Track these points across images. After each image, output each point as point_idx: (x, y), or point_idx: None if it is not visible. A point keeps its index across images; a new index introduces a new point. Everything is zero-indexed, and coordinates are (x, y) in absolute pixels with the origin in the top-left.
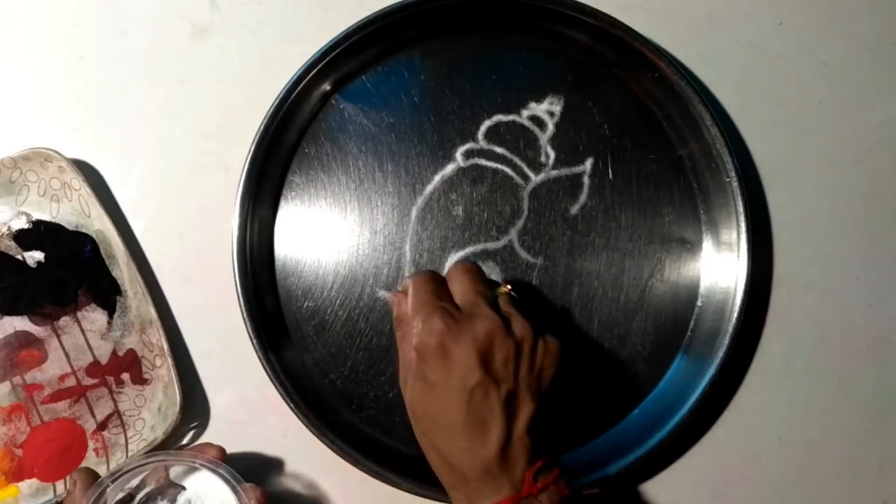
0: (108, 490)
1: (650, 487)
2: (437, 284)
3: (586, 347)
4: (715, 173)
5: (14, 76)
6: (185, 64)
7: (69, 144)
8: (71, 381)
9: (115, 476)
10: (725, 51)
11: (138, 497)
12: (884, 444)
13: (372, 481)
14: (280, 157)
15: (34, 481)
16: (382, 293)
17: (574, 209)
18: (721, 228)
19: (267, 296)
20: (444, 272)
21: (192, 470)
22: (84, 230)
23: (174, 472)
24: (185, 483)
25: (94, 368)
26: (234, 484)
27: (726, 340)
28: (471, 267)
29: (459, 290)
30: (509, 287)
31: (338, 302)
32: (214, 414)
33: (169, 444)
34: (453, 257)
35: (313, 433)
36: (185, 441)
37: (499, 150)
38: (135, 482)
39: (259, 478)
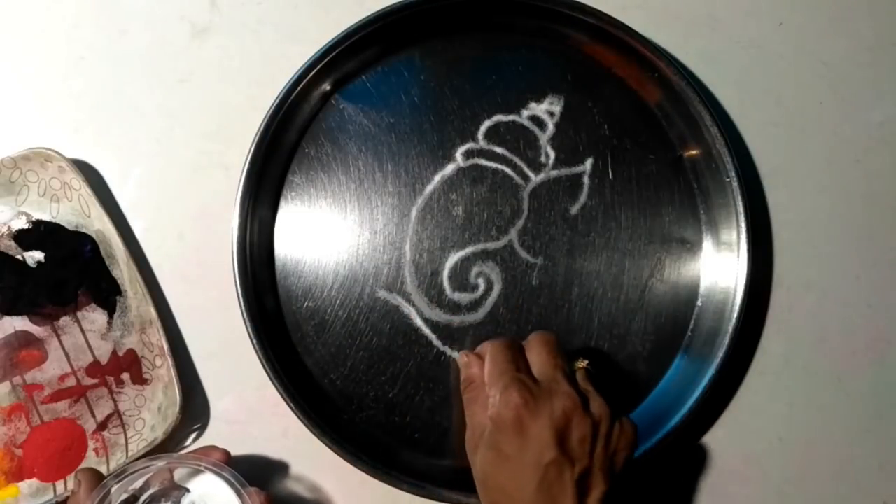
0: (113, 491)
1: (650, 487)
2: (515, 353)
3: (586, 347)
4: (715, 173)
5: (14, 76)
6: (185, 64)
7: (69, 144)
8: (71, 381)
9: (120, 477)
10: (725, 51)
11: (142, 498)
12: (884, 444)
13: (372, 481)
14: (280, 157)
15: (34, 481)
16: (454, 353)
17: (574, 209)
18: (721, 228)
19: (267, 296)
20: (446, 272)
21: (196, 472)
22: (84, 230)
23: (178, 474)
24: (189, 485)
25: (94, 368)
26: (239, 487)
27: (726, 340)
28: (550, 338)
29: (538, 361)
30: (587, 362)
31: (338, 302)
32: (214, 414)
33: (169, 444)
34: (453, 257)
35: (313, 433)
36: (186, 442)
37: (499, 150)
38: (139, 483)
39: (259, 478)
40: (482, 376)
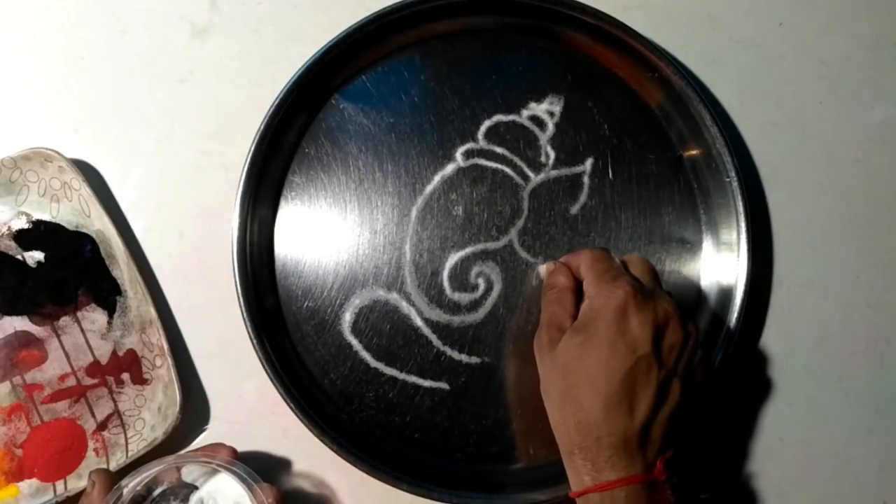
0: (125, 492)
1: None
2: (613, 261)
3: None
4: (715, 173)
5: (14, 76)
6: (185, 64)
7: (69, 144)
8: (71, 381)
9: (133, 478)
10: (725, 51)
11: (151, 496)
12: (884, 444)
13: (372, 481)
14: (280, 157)
15: (34, 481)
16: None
17: (574, 209)
18: (721, 228)
19: (267, 296)
20: (446, 272)
21: (204, 470)
22: (84, 230)
23: (186, 472)
24: (197, 483)
25: (94, 368)
26: (251, 483)
27: (726, 340)
28: (648, 260)
29: (640, 271)
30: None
31: (338, 302)
32: (214, 414)
33: (169, 444)
34: (453, 257)
35: (313, 433)
36: (187, 442)
37: (499, 150)
38: (147, 482)
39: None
40: (567, 284)
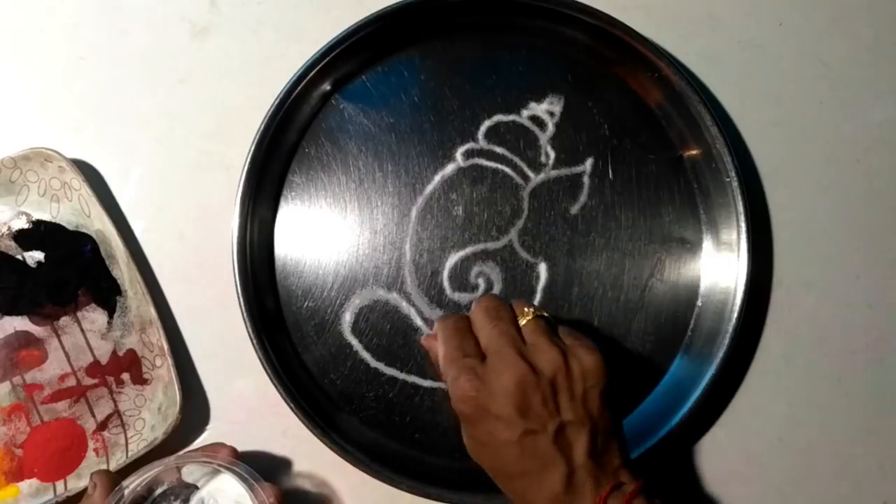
0: (126, 493)
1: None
2: (461, 333)
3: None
4: (715, 173)
5: (14, 76)
6: (185, 64)
7: (69, 144)
8: (71, 381)
9: (135, 481)
10: (725, 51)
11: (152, 496)
12: (884, 444)
13: (372, 481)
14: (280, 157)
15: (34, 481)
16: (422, 339)
17: (574, 209)
18: (721, 228)
19: (267, 296)
20: (446, 272)
21: (205, 470)
22: (84, 230)
23: (186, 471)
24: (198, 483)
25: (94, 368)
26: (252, 482)
27: (726, 340)
28: (489, 304)
29: (482, 333)
30: (532, 309)
31: (338, 302)
32: (214, 414)
33: (169, 444)
34: (453, 257)
35: (313, 433)
36: (187, 442)
37: (499, 150)
38: (148, 482)
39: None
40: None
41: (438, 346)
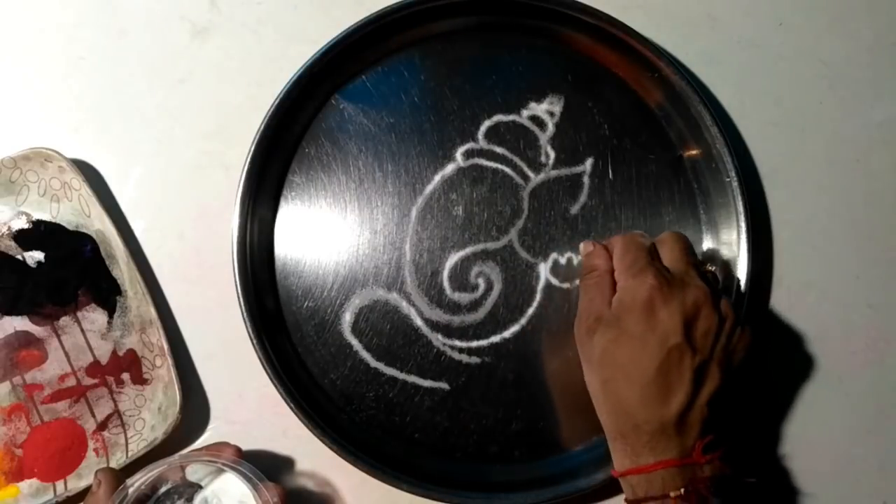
0: (130, 492)
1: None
2: (647, 245)
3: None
4: (715, 173)
5: (14, 76)
6: (185, 64)
7: (69, 144)
8: (71, 381)
9: (140, 479)
10: (725, 51)
11: (156, 495)
12: (884, 444)
13: (372, 481)
14: (280, 157)
15: (34, 481)
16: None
17: (574, 209)
18: (721, 228)
19: (267, 296)
20: (446, 272)
21: (209, 469)
22: (84, 230)
23: (190, 470)
24: (202, 482)
25: (94, 368)
26: (257, 481)
27: None
28: (682, 236)
29: (670, 256)
30: (714, 268)
31: (338, 302)
32: (214, 414)
33: (169, 444)
34: (453, 257)
35: (313, 433)
36: (186, 442)
37: (499, 150)
38: (151, 481)
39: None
40: (605, 267)
41: (619, 250)
